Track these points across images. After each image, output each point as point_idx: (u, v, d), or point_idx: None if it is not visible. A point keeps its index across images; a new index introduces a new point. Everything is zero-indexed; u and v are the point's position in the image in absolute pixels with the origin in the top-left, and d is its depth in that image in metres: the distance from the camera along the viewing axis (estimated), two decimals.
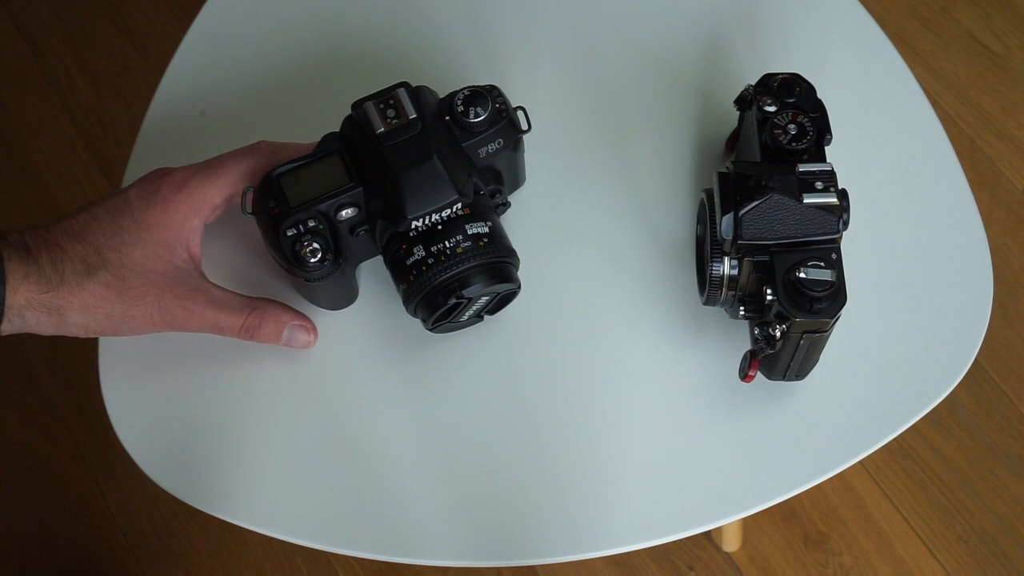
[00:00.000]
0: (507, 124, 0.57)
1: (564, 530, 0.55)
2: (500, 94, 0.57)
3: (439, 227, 0.54)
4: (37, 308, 0.53)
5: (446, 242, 0.54)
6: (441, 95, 0.58)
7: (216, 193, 0.56)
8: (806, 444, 0.58)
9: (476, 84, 0.57)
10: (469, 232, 0.55)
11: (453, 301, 0.55)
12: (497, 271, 0.56)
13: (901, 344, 0.60)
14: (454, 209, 0.54)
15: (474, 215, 0.55)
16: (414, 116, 0.54)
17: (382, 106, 0.54)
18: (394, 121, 0.54)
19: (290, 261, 0.54)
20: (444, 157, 0.54)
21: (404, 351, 0.60)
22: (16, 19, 1.49)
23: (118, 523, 1.19)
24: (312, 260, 0.54)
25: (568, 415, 0.59)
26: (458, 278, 0.55)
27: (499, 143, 0.57)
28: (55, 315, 0.53)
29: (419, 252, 0.54)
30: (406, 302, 0.56)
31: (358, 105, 0.55)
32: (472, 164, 0.56)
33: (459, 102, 0.56)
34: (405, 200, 0.53)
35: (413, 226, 0.54)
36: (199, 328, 0.57)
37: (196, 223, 0.56)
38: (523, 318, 0.61)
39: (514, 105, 0.58)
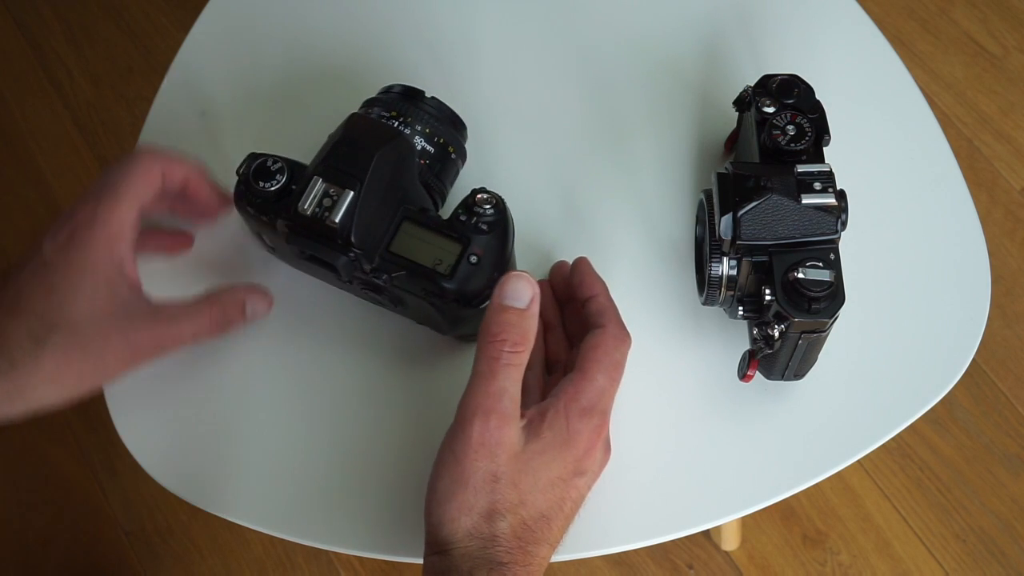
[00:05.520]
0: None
1: None
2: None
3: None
4: None
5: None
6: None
7: (128, 212, 0.54)
8: (804, 443, 0.58)
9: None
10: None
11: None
12: None
13: (899, 344, 0.60)
14: None
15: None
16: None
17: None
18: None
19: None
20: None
21: (406, 352, 0.60)
22: (18, 20, 1.49)
23: (120, 522, 1.20)
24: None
25: None
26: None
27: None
28: (18, 400, 0.50)
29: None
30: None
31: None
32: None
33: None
34: None
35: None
36: (175, 347, 0.56)
37: (123, 249, 0.54)
38: None
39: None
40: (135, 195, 0.55)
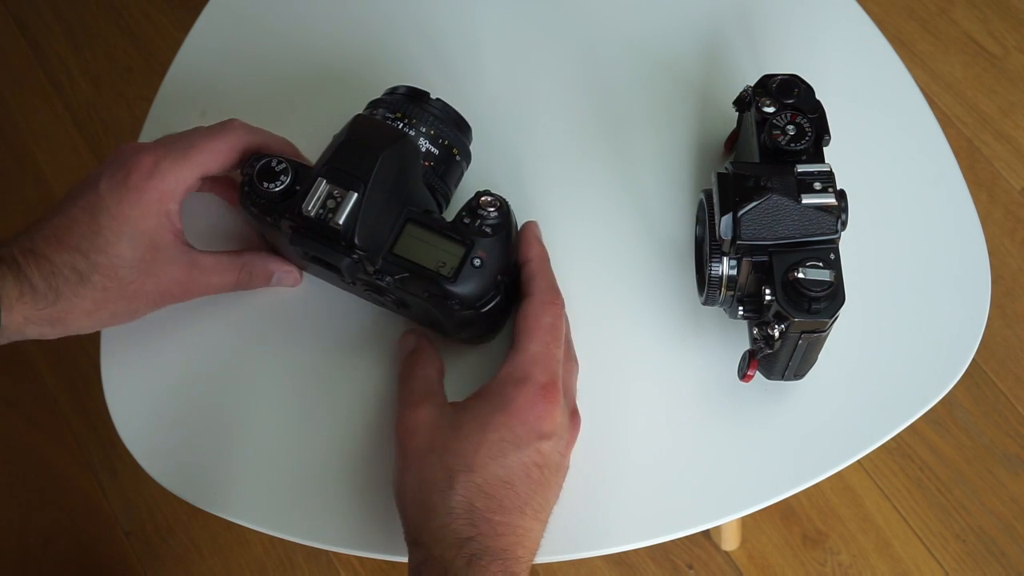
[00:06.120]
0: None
1: (564, 529, 0.55)
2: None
3: None
4: (37, 323, 0.54)
5: None
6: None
7: (189, 175, 0.56)
8: (804, 443, 0.58)
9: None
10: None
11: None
12: None
13: (899, 344, 0.60)
14: None
15: None
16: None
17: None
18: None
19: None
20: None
21: None
22: (18, 20, 1.49)
23: (120, 522, 1.20)
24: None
25: None
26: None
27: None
28: (58, 326, 0.55)
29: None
30: None
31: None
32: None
33: None
34: None
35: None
36: (196, 296, 0.59)
37: (173, 207, 0.56)
38: None
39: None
40: (202, 163, 0.57)
